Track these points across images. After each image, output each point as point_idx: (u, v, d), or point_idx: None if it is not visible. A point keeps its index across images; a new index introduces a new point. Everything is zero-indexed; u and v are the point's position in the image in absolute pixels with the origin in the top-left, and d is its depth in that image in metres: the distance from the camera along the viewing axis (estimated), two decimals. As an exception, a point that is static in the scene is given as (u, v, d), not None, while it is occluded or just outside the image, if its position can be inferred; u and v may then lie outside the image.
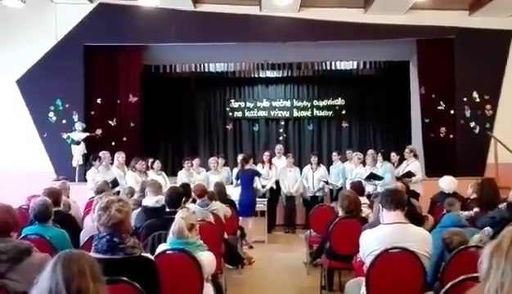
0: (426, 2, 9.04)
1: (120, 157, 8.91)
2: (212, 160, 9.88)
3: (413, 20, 10.01)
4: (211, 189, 7.34)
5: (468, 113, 10.25)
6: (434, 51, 10.24)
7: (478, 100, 10.26)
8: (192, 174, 9.53)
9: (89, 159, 9.22)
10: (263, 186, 9.67)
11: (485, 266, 1.65)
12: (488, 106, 10.28)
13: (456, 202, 4.74)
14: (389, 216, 3.47)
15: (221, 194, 7.13)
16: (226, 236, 5.88)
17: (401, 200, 3.52)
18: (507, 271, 1.58)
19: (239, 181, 8.79)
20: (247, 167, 8.95)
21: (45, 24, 9.97)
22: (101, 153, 8.85)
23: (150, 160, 9.46)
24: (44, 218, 4.16)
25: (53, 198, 4.57)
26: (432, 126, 10.31)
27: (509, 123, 9.96)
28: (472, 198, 5.69)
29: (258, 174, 9.10)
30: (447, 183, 6.56)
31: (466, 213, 4.95)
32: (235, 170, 9.47)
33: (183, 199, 4.97)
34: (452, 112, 10.24)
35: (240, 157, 9.65)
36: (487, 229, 3.95)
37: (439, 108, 10.27)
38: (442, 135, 10.27)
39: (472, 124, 10.27)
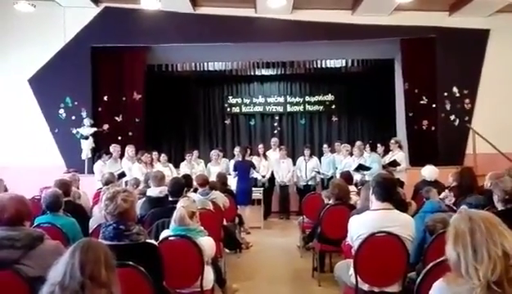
0: (409, 3, 9.02)
1: (130, 150, 8.94)
2: (214, 152, 9.93)
3: (397, 20, 10.00)
4: (212, 179, 7.36)
5: (448, 107, 10.26)
6: (417, 49, 10.21)
7: (457, 94, 10.27)
8: (193, 165, 9.57)
9: (98, 153, 9.23)
10: (263, 176, 9.70)
11: (453, 256, 1.81)
12: (467, 100, 10.29)
13: (433, 189, 4.77)
14: (377, 204, 3.47)
15: (222, 184, 7.15)
16: (225, 223, 5.89)
17: (391, 194, 3.51)
18: (470, 248, 1.77)
19: (236, 172, 8.80)
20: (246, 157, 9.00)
21: (54, 26, 9.91)
22: (111, 147, 8.87)
23: (154, 153, 9.50)
24: (55, 208, 4.16)
25: (64, 189, 4.58)
26: (415, 119, 10.31)
27: (486, 116, 10.00)
28: (452, 185, 5.71)
29: (254, 166, 9.12)
30: (429, 171, 6.58)
31: (447, 201, 4.97)
32: (233, 161, 9.49)
33: (185, 189, 4.97)
34: (434, 106, 10.24)
35: (237, 148, 9.66)
36: (464, 208, 3.99)
37: (422, 102, 10.27)
38: (424, 127, 10.27)
39: (452, 117, 10.29)
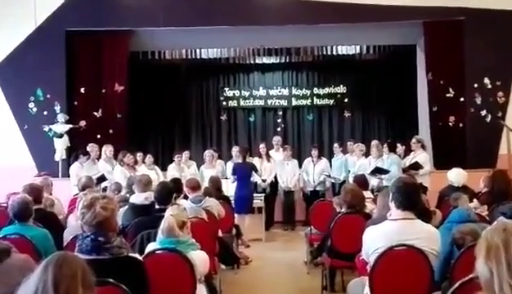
0: (433, -19, 9.03)
1: (108, 150, 8.93)
2: (207, 153, 9.92)
3: (419, 0, 9.99)
4: (205, 183, 7.36)
5: (478, 101, 10.25)
6: (442, 34, 10.19)
7: (489, 86, 10.25)
8: (183, 168, 9.57)
9: (74, 153, 9.20)
10: (264, 181, 9.69)
11: (485, 272, 1.81)
12: (500, 93, 10.27)
13: (462, 195, 4.75)
14: (397, 213, 3.47)
15: (216, 190, 7.15)
16: (220, 234, 5.89)
17: (414, 203, 3.50)
18: (505, 263, 1.76)
19: (235, 176, 8.79)
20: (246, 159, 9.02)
21: (23, 7, 9.91)
22: (89, 146, 8.87)
23: (139, 154, 9.51)
24: (24, 217, 4.16)
25: (34, 196, 4.58)
26: (440, 114, 10.31)
27: (522, 111, 9.99)
28: (483, 191, 5.71)
29: (256, 169, 9.11)
30: (456, 175, 6.58)
31: (479, 210, 4.97)
32: (230, 163, 9.48)
33: (174, 195, 4.97)
34: (462, 99, 10.23)
35: (235, 149, 9.65)
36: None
37: (448, 95, 10.26)
38: (451, 124, 10.27)
39: (483, 112, 10.27)
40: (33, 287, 1.86)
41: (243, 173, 8.79)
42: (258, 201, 9.09)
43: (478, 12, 10.02)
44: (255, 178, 9.46)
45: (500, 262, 1.78)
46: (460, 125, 10.26)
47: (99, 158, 8.90)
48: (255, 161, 9.83)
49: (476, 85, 10.22)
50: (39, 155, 10.03)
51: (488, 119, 10.26)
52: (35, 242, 3.91)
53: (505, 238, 1.81)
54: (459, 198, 4.65)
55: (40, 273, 1.89)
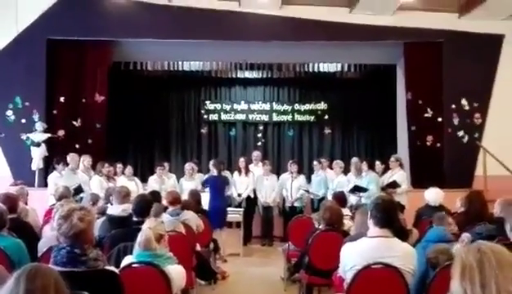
0: (414, 2, 9.16)
1: (86, 160, 8.86)
2: (188, 166, 9.88)
3: (401, 21, 10.15)
4: (185, 196, 7.32)
5: (456, 122, 10.41)
6: (422, 54, 10.39)
7: (467, 107, 10.42)
8: (164, 181, 9.52)
9: (52, 162, 9.09)
10: (239, 195, 9.69)
11: (460, 292, 1.84)
12: (477, 114, 10.44)
13: (446, 217, 4.79)
14: (375, 230, 3.49)
15: (196, 203, 7.11)
16: (198, 248, 5.86)
17: (392, 220, 3.53)
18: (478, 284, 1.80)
19: (207, 188, 8.78)
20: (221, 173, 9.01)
21: (4, 14, 9.82)
22: (69, 156, 8.76)
23: (119, 165, 9.44)
24: (-2, 226, 4.09)
25: (9, 205, 4.53)
26: (418, 134, 10.45)
27: (498, 133, 10.11)
28: (459, 212, 5.77)
29: (228, 183, 9.12)
30: (433, 195, 6.63)
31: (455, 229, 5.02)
32: (207, 177, 9.47)
33: (152, 208, 4.93)
34: (440, 119, 10.39)
35: (211, 162, 9.61)
36: (467, 236, 4.09)
37: (426, 115, 10.41)
38: (428, 143, 10.41)
39: (460, 133, 10.43)
40: (4, 301, 1.83)
41: (216, 186, 8.78)
42: (237, 215, 9.08)
43: (456, 35, 10.22)
44: (230, 192, 9.46)
45: (474, 283, 1.80)
46: (438, 145, 10.40)
47: (79, 168, 8.82)
48: (235, 175, 9.82)
49: (454, 106, 10.39)
50: (15, 164, 9.89)
51: (465, 140, 10.41)
52: (9, 252, 3.84)
53: (480, 259, 1.83)
54: (443, 219, 4.68)
55: (12, 285, 1.85)
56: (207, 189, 8.84)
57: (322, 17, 10.08)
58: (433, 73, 10.33)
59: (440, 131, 10.40)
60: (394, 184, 8.53)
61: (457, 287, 1.84)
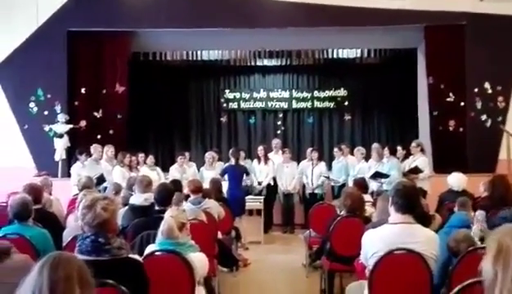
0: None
1: (109, 151, 8.96)
2: (208, 155, 9.89)
3: (421, 4, 9.98)
4: (205, 185, 7.36)
5: (479, 105, 10.26)
6: (444, 38, 10.22)
7: (489, 91, 10.26)
8: (185, 169, 9.58)
9: (74, 153, 9.21)
10: (260, 183, 9.70)
11: (490, 274, 1.75)
12: (501, 98, 10.28)
13: (469, 201, 4.75)
14: (397, 217, 3.47)
15: (217, 192, 7.15)
16: (220, 236, 5.89)
17: (414, 206, 3.50)
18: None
19: (225, 177, 8.80)
20: (240, 162, 9.01)
21: (25, 7, 9.91)
22: (92, 147, 8.88)
23: (141, 155, 9.53)
24: (24, 217, 4.16)
25: (34, 195, 4.57)
26: (440, 118, 10.32)
27: (522, 116, 9.98)
28: (483, 196, 5.71)
29: (248, 172, 9.12)
30: (456, 180, 6.57)
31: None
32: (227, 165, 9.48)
33: (174, 197, 4.97)
34: (462, 104, 10.25)
35: (230, 151, 9.61)
36: (481, 213, 4.07)
37: (448, 99, 10.28)
38: (451, 128, 10.28)
39: (483, 117, 10.28)
40: (29, 290, 1.82)
41: (234, 176, 8.79)
42: (257, 203, 9.10)
43: (479, 17, 10.03)
44: (250, 180, 9.46)
45: (508, 266, 1.74)
46: (461, 129, 10.26)
47: (102, 158, 8.92)
48: (254, 163, 9.82)
49: (476, 89, 10.23)
50: (39, 155, 10.03)
51: (488, 124, 10.26)
52: (34, 242, 3.90)
53: None
54: (466, 204, 4.63)
55: (36, 274, 1.85)
56: (226, 178, 8.87)
57: (341, 2, 9.93)
58: (455, 56, 10.17)
59: (462, 115, 10.25)
60: (416, 170, 8.46)
61: (489, 268, 1.77)
